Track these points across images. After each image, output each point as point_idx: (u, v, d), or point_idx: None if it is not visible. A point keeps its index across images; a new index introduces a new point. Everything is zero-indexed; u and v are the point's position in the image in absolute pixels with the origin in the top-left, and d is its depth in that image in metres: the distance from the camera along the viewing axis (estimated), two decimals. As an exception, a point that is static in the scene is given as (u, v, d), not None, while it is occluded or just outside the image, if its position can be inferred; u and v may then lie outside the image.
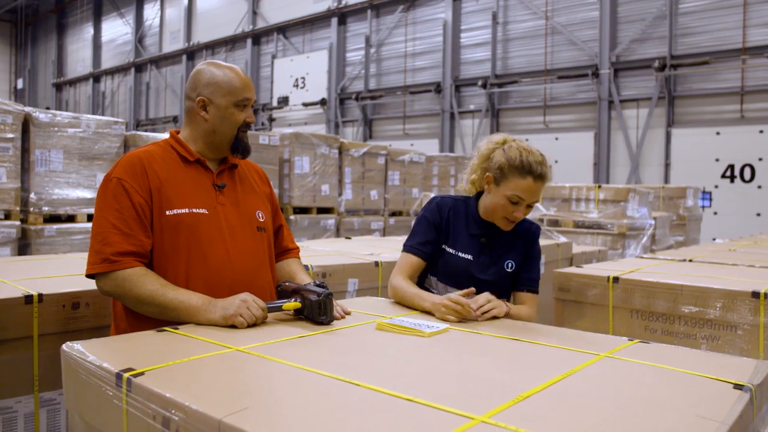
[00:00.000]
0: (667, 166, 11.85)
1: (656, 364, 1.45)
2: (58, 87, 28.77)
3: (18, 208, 4.91)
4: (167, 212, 1.85)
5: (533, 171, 2.07)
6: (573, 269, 3.09)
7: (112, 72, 25.58)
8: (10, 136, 4.79)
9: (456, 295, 1.95)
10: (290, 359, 1.39)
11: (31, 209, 5.04)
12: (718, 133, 11.27)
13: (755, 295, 2.46)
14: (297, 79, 18.24)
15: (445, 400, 1.14)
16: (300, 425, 1.03)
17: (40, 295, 1.94)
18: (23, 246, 5.04)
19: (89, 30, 26.65)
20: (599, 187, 6.50)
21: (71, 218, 5.31)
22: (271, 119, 19.09)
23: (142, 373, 1.26)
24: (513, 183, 2.09)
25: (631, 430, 1.05)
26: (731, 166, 11.16)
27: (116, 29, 25.58)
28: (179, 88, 21.86)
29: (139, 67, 24.21)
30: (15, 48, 31.38)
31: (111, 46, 25.84)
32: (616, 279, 2.81)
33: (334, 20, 17.28)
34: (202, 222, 1.88)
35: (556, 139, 13.15)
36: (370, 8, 16.56)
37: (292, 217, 7.11)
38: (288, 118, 18.83)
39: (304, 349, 1.51)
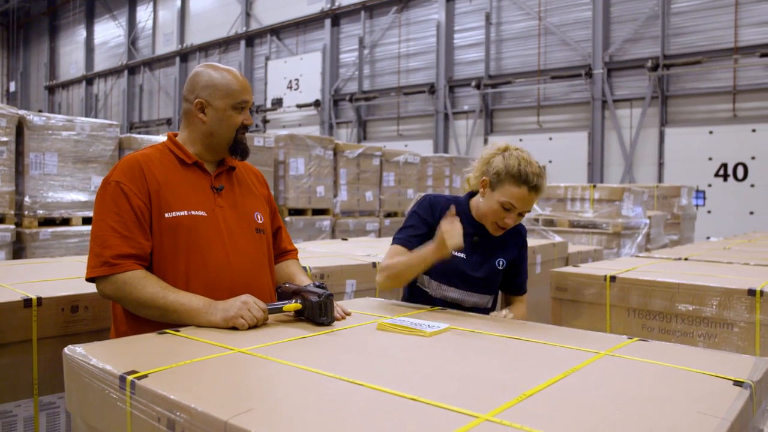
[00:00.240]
0: (660, 165, 11.90)
1: (656, 362, 1.46)
2: (51, 90, 28.64)
3: (12, 212, 4.90)
4: (166, 215, 1.85)
5: (529, 181, 2.12)
6: (570, 269, 3.10)
7: (105, 74, 25.49)
8: (5, 139, 4.77)
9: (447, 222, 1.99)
10: (292, 360, 1.39)
11: (26, 213, 5.03)
12: (711, 133, 11.33)
13: (751, 292, 2.47)
14: (291, 81, 18.22)
15: (449, 399, 1.14)
16: (305, 426, 1.03)
17: (39, 299, 1.94)
18: (18, 250, 5.02)
19: (81, 32, 26.54)
20: (594, 186, 6.53)
21: (66, 221, 5.30)
22: (265, 121, 19.06)
23: (145, 376, 1.26)
24: (508, 190, 2.14)
25: (634, 427, 1.05)
26: (724, 165, 11.22)
27: (109, 31, 25.48)
28: (172, 91, 21.80)
29: (132, 70, 24.13)
30: (7, 51, 31.23)
31: (104, 49, 25.75)
32: (613, 278, 2.82)
33: (328, 22, 17.27)
34: (201, 224, 1.88)
35: (550, 139, 13.18)
36: (364, 9, 16.56)
37: (287, 218, 7.11)
38: (282, 119, 18.81)
39: (306, 350, 1.52)
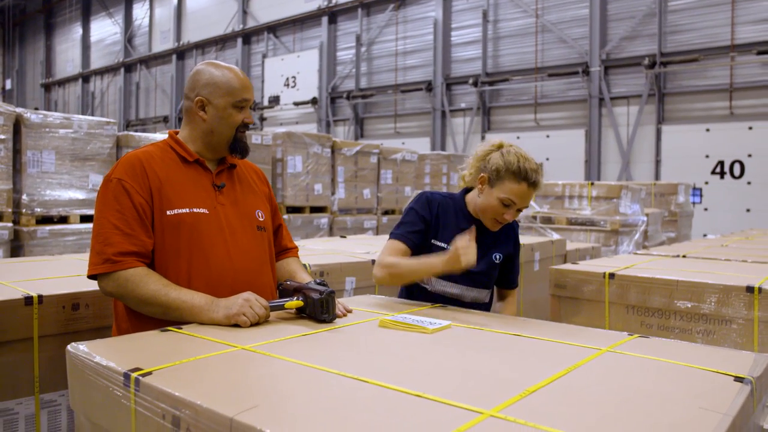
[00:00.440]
0: (657, 162, 11.93)
1: (657, 358, 1.47)
2: (47, 87, 28.54)
3: (10, 210, 4.88)
4: (168, 212, 1.85)
5: (528, 178, 2.16)
6: (569, 266, 3.11)
7: (101, 72, 25.41)
8: (2, 137, 4.76)
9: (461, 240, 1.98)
10: (295, 357, 1.40)
11: (24, 210, 5.01)
12: (707, 130, 11.36)
13: (749, 289, 2.49)
14: (288, 79, 18.20)
15: (453, 395, 1.15)
16: (310, 422, 1.03)
17: (40, 297, 1.93)
18: (16, 248, 5.00)
19: (78, 30, 26.45)
20: (592, 184, 6.55)
21: (64, 219, 5.28)
22: (262, 119, 19.04)
23: (149, 373, 1.26)
24: (508, 187, 2.17)
25: (637, 423, 1.06)
26: (721, 163, 11.25)
27: (105, 29, 25.39)
28: (169, 88, 21.75)
29: (129, 67, 24.06)
30: (2, 48, 31.10)
31: (100, 46, 25.66)
32: (611, 275, 2.83)
33: (325, 19, 17.25)
34: (202, 222, 1.88)
35: (547, 136, 13.19)
36: (361, 7, 16.54)
37: (285, 216, 7.11)
38: (279, 117, 18.79)
39: (308, 347, 1.52)
